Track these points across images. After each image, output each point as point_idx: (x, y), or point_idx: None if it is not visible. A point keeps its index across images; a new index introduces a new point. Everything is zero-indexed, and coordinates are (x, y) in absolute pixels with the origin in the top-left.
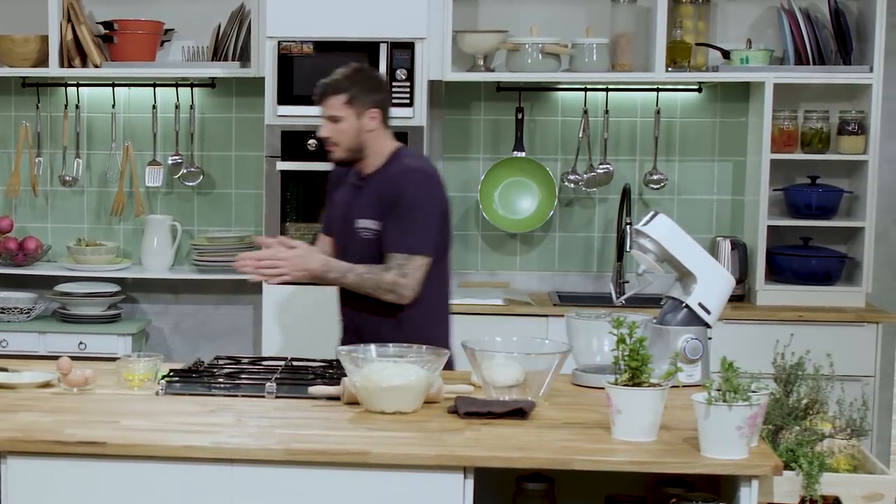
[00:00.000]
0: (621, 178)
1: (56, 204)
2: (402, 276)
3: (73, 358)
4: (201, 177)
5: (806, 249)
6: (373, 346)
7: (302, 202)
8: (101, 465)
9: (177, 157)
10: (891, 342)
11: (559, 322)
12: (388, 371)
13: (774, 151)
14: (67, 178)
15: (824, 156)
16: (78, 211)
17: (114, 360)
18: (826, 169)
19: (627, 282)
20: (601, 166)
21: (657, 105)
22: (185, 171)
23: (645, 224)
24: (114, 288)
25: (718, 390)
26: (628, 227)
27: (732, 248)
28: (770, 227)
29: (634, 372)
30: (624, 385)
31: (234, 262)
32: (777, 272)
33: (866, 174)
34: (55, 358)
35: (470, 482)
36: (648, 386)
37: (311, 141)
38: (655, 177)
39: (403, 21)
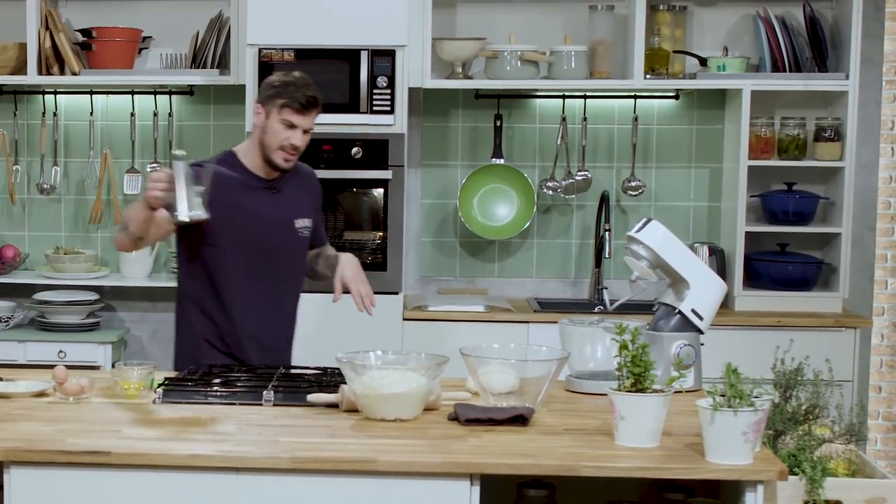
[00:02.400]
0: (599, 185)
1: (33, 212)
2: None
3: (54, 367)
4: None
5: (783, 255)
6: (372, 354)
7: None
8: (105, 474)
9: (155, 165)
10: (867, 347)
11: (539, 328)
12: (389, 378)
13: (752, 158)
14: (45, 185)
15: (801, 162)
16: (55, 219)
17: (94, 368)
18: (801, 175)
19: (606, 288)
20: (579, 173)
21: (635, 112)
22: None
23: (638, 230)
24: (93, 296)
25: (723, 395)
26: (607, 233)
27: (710, 255)
28: (747, 234)
29: (638, 378)
30: (627, 391)
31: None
32: (754, 278)
33: (842, 180)
34: (36, 367)
35: (476, 489)
36: (652, 392)
37: None
38: (633, 183)
39: (384, 29)
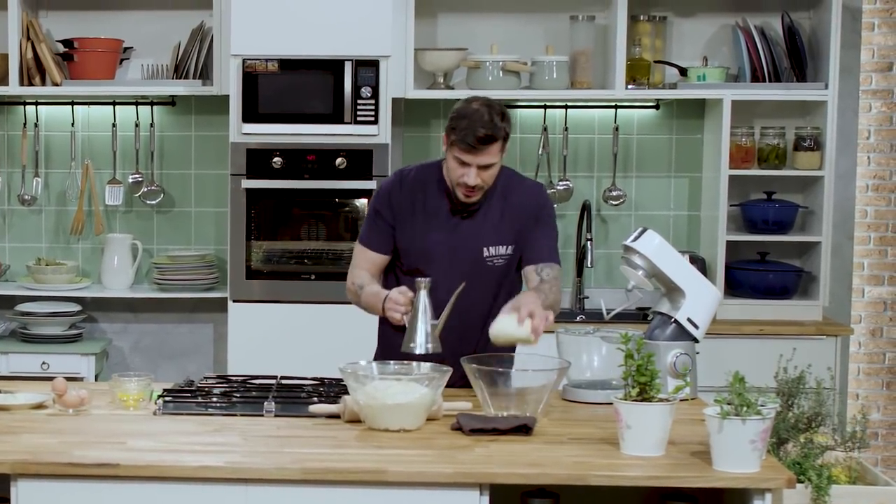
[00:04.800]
0: (580, 195)
1: (14, 223)
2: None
3: (37, 378)
4: (161, 195)
5: (763, 264)
6: (374, 364)
7: (266, 220)
8: (114, 486)
9: (137, 176)
10: (847, 355)
11: None
12: (393, 389)
13: (731, 167)
14: (26, 196)
15: (781, 171)
16: (36, 230)
17: (78, 379)
18: (778, 184)
19: (588, 297)
20: (561, 183)
21: (615, 122)
22: (145, 189)
23: (634, 240)
24: (76, 307)
25: (730, 404)
26: (589, 242)
27: (691, 263)
28: (727, 243)
29: (643, 387)
30: (633, 400)
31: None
32: (735, 286)
33: (821, 189)
34: (19, 378)
35: (486, 499)
36: (658, 401)
37: (277, 159)
38: (614, 193)
39: (368, 39)
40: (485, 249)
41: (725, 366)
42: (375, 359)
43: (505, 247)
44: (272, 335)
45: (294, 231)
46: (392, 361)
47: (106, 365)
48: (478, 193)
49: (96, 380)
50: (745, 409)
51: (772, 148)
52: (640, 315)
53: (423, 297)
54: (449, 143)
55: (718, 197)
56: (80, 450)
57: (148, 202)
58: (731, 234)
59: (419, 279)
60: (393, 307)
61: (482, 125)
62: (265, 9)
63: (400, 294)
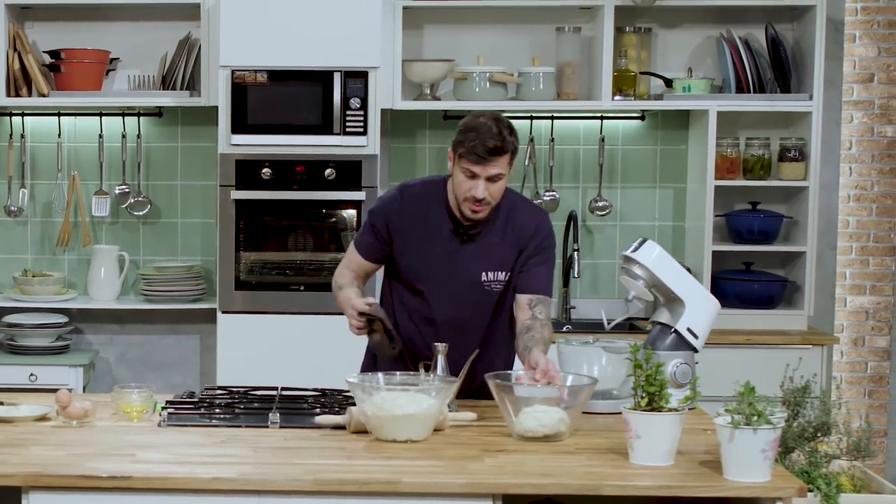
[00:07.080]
0: (566, 206)
1: (0, 234)
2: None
3: (25, 391)
4: (148, 206)
5: (748, 274)
6: (380, 375)
7: (255, 231)
8: (127, 498)
9: (124, 187)
10: (832, 364)
11: None
12: (401, 400)
13: (717, 178)
14: (12, 208)
15: (766, 182)
16: (22, 241)
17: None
18: (763, 194)
19: (574, 307)
20: (547, 193)
21: (601, 133)
22: (132, 200)
23: (634, 251)
24: (62, 319)
25: (740, 413)
26: (576, 253)
27: None
28: (712, 253)
29: (652, 397)
30: (643, 410)
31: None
32: (720, 296)
33: (806, 199)
34: (9, 390)
35: None
36: (667, 411)
37: (266, 170)
38: (600, 203)
39: (357, 50)
40: (483, 274)
41: (714, 375)
42: (364, 370)
43: (504, 272)
44: (261, 346)
45: (283, 242)
46: (398, 372)
47: (93, 376)
48: (485, 209)
49: (84, 391)
50: (755, 418)
51: (757, 158)
52: (626, 325)
53: (441, 362)
54: (456, 156)
55: (704, 207)
56: (91, 462)
57: (134, 213)
58: (717, 245)
59: (437, 344)
60: (352, 322)
61: (491, 137)
62: (254, 20)
63: (354, 316)
